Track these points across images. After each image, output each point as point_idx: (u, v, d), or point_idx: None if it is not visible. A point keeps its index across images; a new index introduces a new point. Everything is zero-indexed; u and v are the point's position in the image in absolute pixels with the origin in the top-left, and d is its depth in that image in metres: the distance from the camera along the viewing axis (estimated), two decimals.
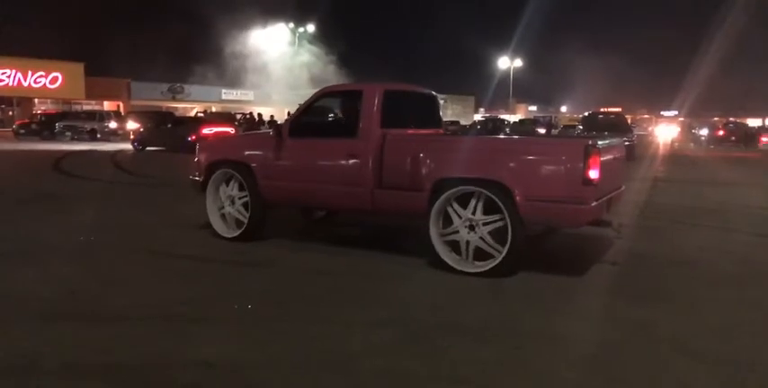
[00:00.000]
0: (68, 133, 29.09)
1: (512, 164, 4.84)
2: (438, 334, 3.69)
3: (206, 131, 20.16)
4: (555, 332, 3.76)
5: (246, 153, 6.22)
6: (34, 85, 43.05)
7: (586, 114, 28.87)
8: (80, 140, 28.18)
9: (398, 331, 3.72)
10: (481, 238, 4.93)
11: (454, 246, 5.08)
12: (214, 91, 51.05)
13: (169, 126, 23.18)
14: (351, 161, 5.55)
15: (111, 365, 3.21)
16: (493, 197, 4.82)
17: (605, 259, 5.65)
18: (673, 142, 33.81)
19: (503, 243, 4.84)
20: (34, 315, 3.95)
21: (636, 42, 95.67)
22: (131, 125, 26.64)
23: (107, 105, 45.00)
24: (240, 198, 6.27)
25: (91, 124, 29.83)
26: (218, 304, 4.24)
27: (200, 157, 6.66)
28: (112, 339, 3.57)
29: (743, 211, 9.01)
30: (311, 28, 50.60)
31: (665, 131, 36.47)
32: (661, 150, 27.58)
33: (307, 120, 6.09)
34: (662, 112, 69.01)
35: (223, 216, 6.42)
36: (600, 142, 4.85)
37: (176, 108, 47.40)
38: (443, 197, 5.04)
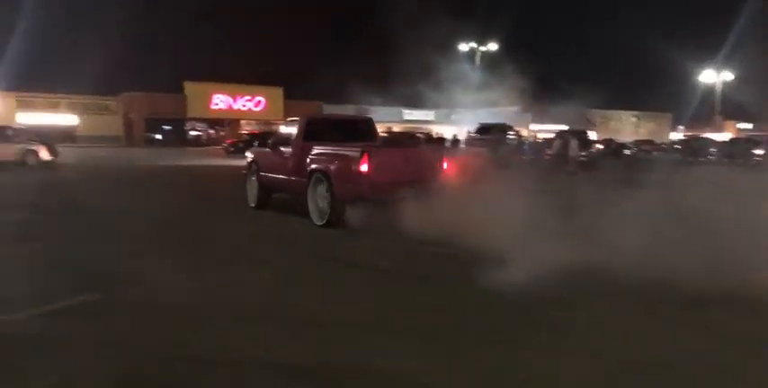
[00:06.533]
0: None
1: (331, 162, 7.97)
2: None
3: None
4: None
5: (257, 158, 10.13)
6: (242, 108, 49.29)
7: None
8: None
9: (600, 366, 3.51)
10: (328, 203, 7.85)
11: (322, 213, 8.05)
12: (396, 111, 53.10)
13: None
14: (288, 161, 8.87)
15: (307, 367, 3.42)
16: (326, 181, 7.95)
17: None
18: None
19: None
20: (234, 316, 4.33)
21: None
22: None
23: None
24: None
25: None
26: (399, 316, 4.37)
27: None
28: (307, 341, 3.80)
29: None
30: (493, 47, 50.46)
31: None
32: None
33: (277, 137, 10.25)
34: None
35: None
36: (378, 147, 8.87)
37: None
38: (311, 181, 8.21)
